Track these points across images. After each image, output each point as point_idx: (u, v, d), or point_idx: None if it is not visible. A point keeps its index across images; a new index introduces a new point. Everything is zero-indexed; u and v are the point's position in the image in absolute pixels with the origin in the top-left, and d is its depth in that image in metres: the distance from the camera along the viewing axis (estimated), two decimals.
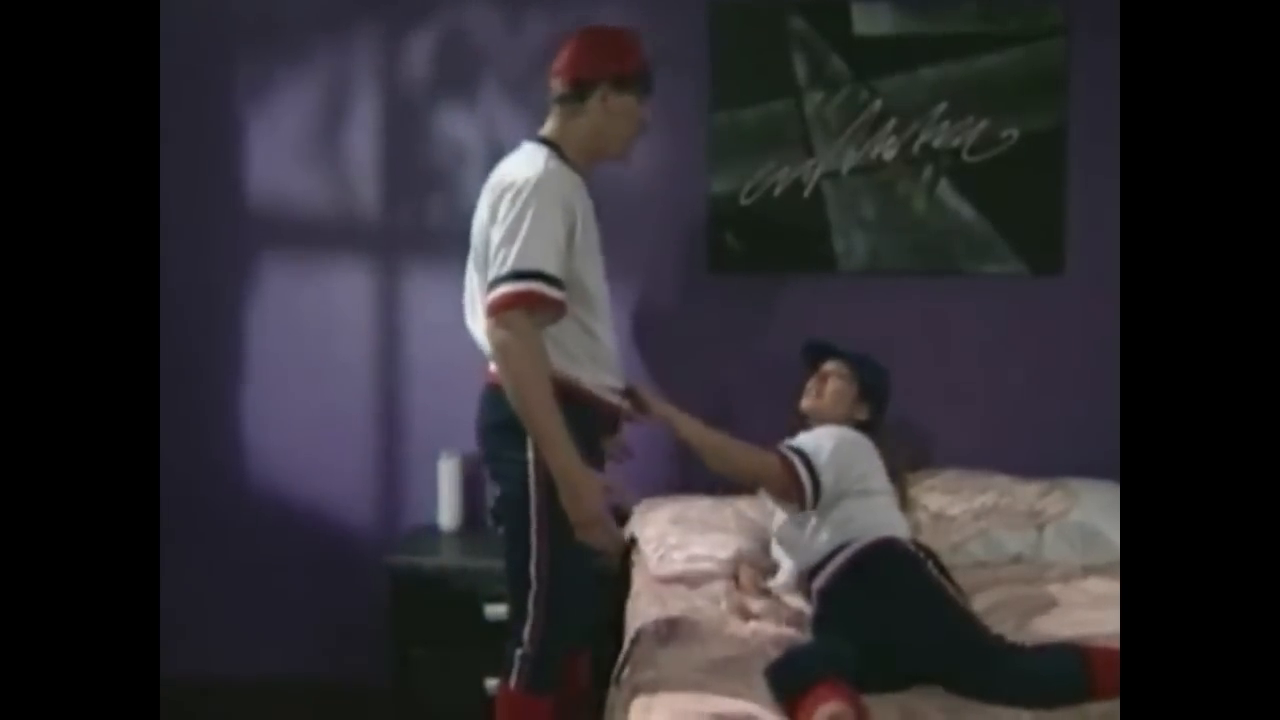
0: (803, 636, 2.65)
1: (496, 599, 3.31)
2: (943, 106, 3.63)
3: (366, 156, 3.73)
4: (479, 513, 3.69)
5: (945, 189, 3.65)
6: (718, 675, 2.41)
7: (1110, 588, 2.97)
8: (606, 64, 2.52)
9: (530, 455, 2.43)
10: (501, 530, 2.60)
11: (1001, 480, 3.43)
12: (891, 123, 3.64)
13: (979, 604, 2.82)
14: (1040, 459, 3.56)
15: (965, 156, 3.64)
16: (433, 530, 3.67)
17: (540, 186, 2.34)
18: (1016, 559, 3.22)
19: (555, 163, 2.44)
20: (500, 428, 2.50)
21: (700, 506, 3.34)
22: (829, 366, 3.08)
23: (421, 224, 3.73)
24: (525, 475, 2.45)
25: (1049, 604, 2.86)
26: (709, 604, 2.90)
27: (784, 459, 2.74)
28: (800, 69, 3.64)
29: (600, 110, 2.51)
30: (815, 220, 3.66)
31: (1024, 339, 3.70)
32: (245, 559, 3.79)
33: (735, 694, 2.30)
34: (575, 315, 2.44)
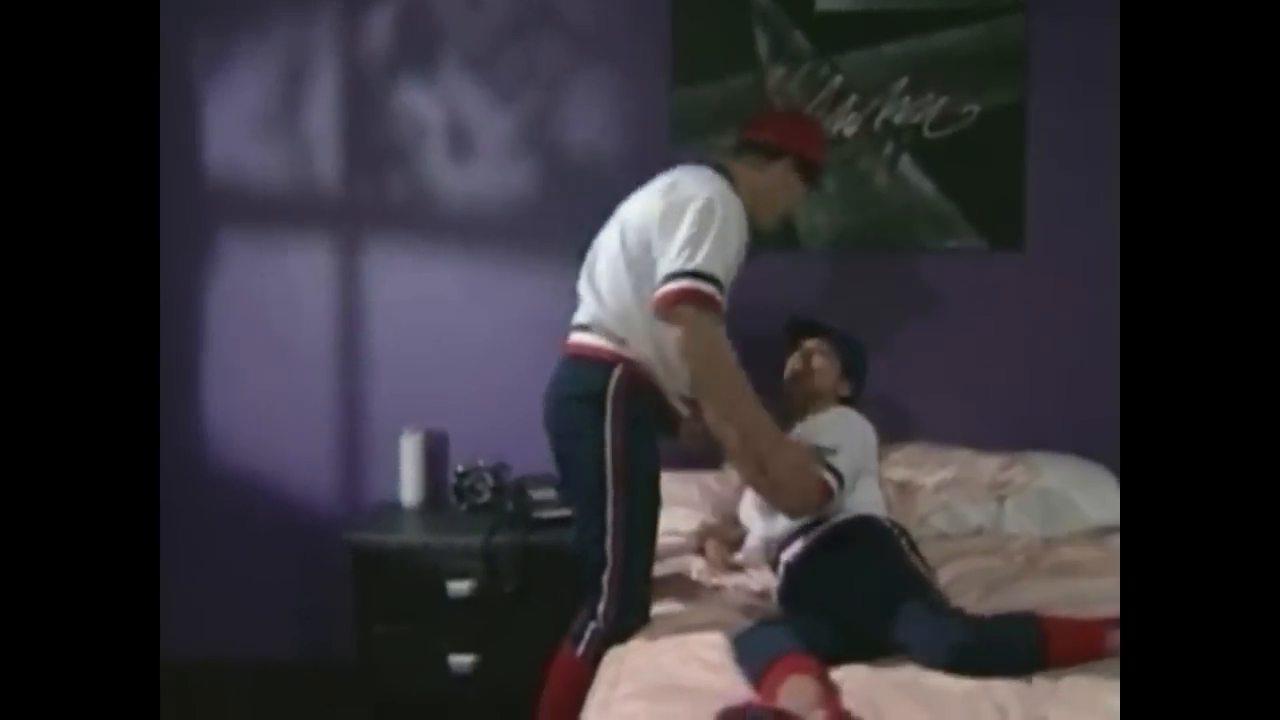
0: (770, 608, 2.67)
1: (460, 575, 3.32)
2: (903, 82, 3.64)
3: (326, 132, 3.70)
4: (441, 490, 3.68)
5: (906, 165, 3.66)
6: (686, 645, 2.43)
7: (1069, 557, 3.02)
8: (804, 143, 2.83)
9: (608, 432, 2.51)
10: (571, 508, 2.76)
11: (963, 454, 3.46)
12: (853, 99, 3.64)
13: (943, 576, 2.85)
14: (1001, 433, 3.59)
15: (926, 132, 3.65)
16: (395, 507, 3.66)
17: (729, 207, 2.54)
18: (978, 531, 3.25)
19: (733, 193, 2.62)
20: (580, 399, 2.58)
21: (666, 480, 3.35)
22: (811, 344, 3.14)
23: (383, 200, 3.71)
24: (603, 451, 2.52)
25: (1011, 576, 2.89)
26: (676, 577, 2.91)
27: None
28: (762, 44, 3.64)
29: (779, 176, 2.79)
30: None
31: (985, 314, 3.72)
32: (206, 538, 3.76)
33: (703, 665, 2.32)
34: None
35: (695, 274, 2.45)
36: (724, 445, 2.78)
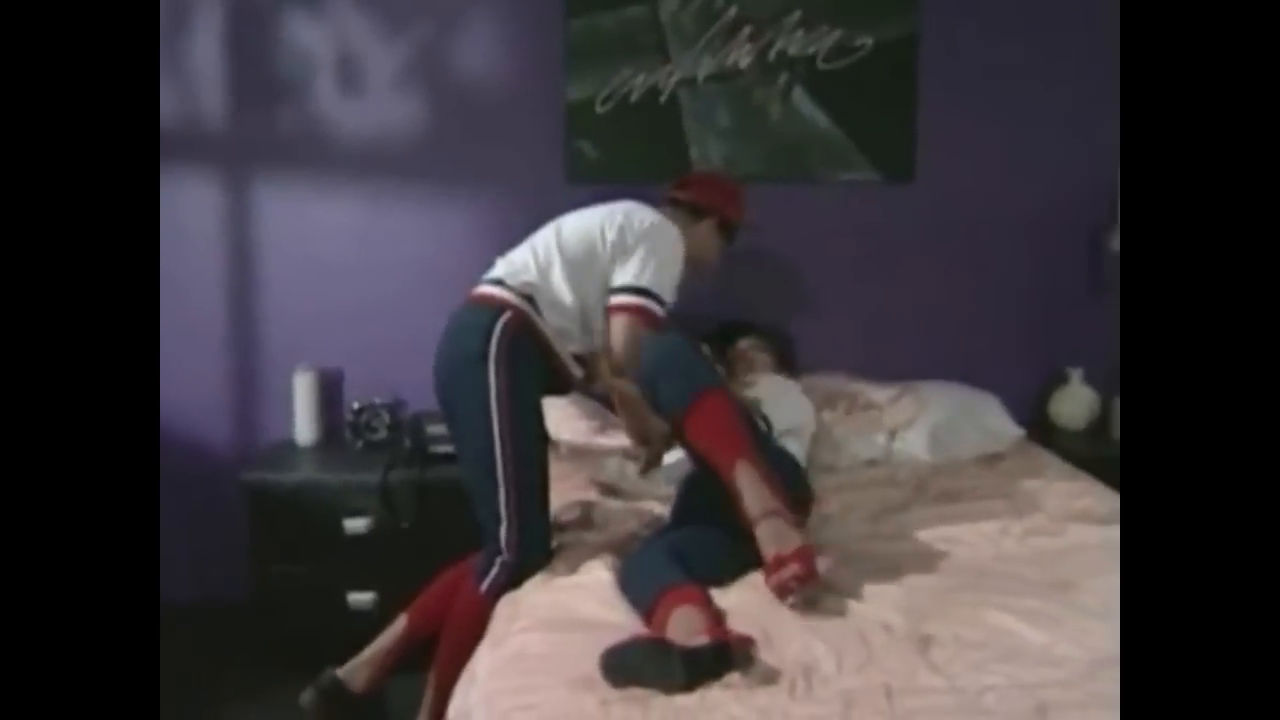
0: None
1: (356, 513, 3.31)
2: (797, 14, 3.64)
3: (212, 65, 3.59)
4: (337, 427, 3.65)
5: (800, 97, 3.67)
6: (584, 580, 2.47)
7: (957, 484, 3.09)
8: (727, 206, 3.10)
9: (492, 368, 2.63)
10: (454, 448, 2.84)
11: (855, 385, 3.51)
12: (747, 30, 3.63)
13: (832, 506, 2.91)
14: (891, 363, 3.66)
15: (820, 65, 3.66)
16: (290, 446, 3.63)
17: (676, 238, 2.84)
18: (871, 463, 3.30)
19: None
20: (467, 340, 2.68)
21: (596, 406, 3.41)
22: (744, 344, 3.31)
23: (271, 135, 3.63)
24: (486, 387, 2.63)
25: (899, 505, 2.95)
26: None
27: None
28: None
29: (703, 234, 3.06)
30: (672, 128, 3.66)
31: (877, 246, 3.77)
32: None
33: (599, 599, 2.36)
34: (598, 311, 2.78)
35: (645, 292, 2.72)
36: (616, 397, 2.97)
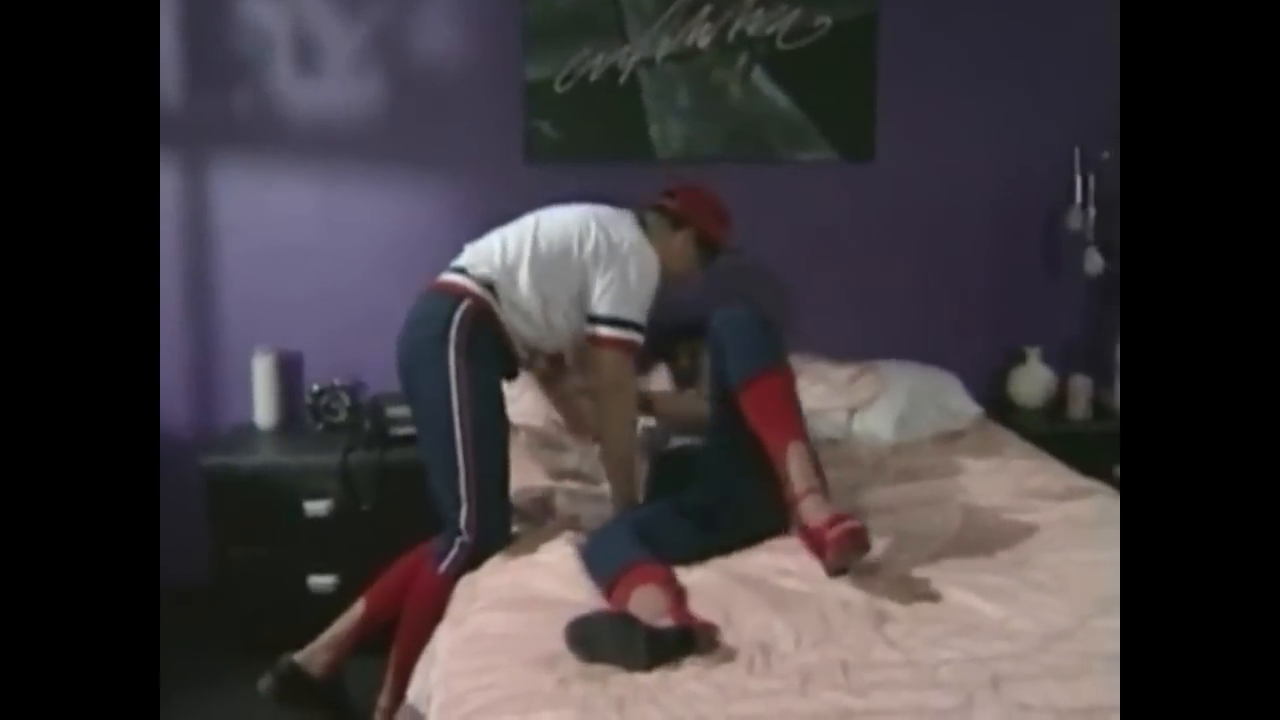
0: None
1: (317, 495, 3.30)
2: None
3: (167, 45, 3.55)
4: (297, 410, 3.63)
5: (760, 77, 3.67)
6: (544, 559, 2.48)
7: (915, 462, 3.11)
8: (706, 220, 3.05)
9: (452, 361, 2.66)
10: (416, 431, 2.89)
11: (815, 364, 3.52)
12: (707, 9, 3.63)
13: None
14: (850, 342, 3.67)
15: (779, 44, 3.66)
16: (250, 429, 3.61)
17: (651, 257, 2.86)
18: (831, 442, 3.32)
19: (649, 245, 2.90)
20: (427, 327, 2.72)
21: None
22: (693, 345, 3.31)
23: (229, 116, 3.59)
24: (447, 373, 2.66)
25: (856, 483, 2.96)
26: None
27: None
28: None
29: (680, 243, 3.01)
30: (631, 108, 3.65)
31: (836, 226, 3.78)
32: None
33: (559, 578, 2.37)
34: (562, 311, 2.82)
35: (625, 324, 2.78)
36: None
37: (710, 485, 2.60)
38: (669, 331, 3.32)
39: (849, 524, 2.24)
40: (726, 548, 2.47)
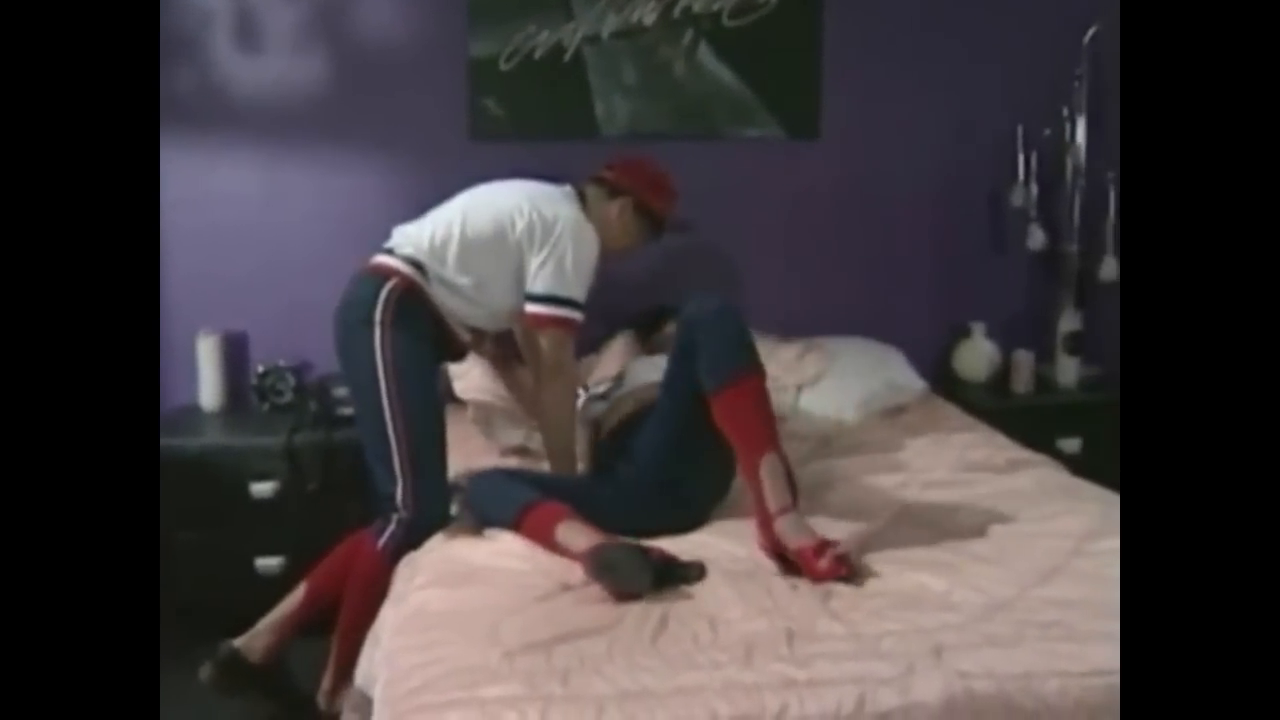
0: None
1: (262, 477, 3.28)
2: None
3: None
4: (242, 391, 3.61)
5: (705, 53, 3.67)
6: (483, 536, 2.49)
7: (859, 437, 3.14)
8: (643, 189, 3.00)
9: (378, 341, 2.67)
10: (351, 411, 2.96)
11: (761, 341, 3.51)
12: None
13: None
14: (796, 319, 3.68)
15: (725, 21, 3.66)
16: (194, 410, 3.57)
17: (586, 232, 2.84)
18: (778, 419, 3.32)
19: (585, 218, 2.88)
20: (354, 309, 2.73)
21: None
22: (670, 329, 3.21)
23: (170, 94, 3.53)
24: (373, 351, 2.67)
25: (802, 458, 2.97)
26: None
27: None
28: None
29: (617, 213, 2.97)
30: (576, 85, 3.64)
31: (782, 202, 3.79)
32: None
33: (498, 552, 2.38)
34: (501, 289, 2.82)
35: (564, 301, 2.77)
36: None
37: (646, 470, 2.62)
38: (650, 313, 3.41)
39: (838, 551, 2.23)
40: (648, 532, 2.43)
